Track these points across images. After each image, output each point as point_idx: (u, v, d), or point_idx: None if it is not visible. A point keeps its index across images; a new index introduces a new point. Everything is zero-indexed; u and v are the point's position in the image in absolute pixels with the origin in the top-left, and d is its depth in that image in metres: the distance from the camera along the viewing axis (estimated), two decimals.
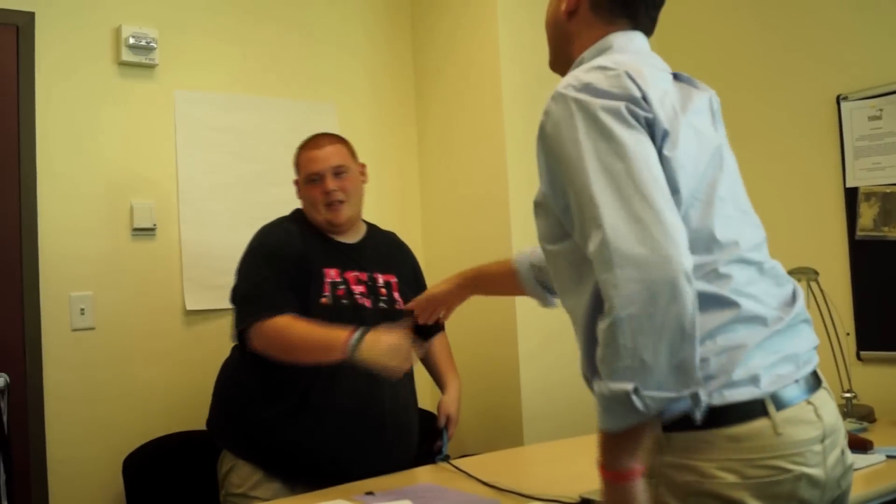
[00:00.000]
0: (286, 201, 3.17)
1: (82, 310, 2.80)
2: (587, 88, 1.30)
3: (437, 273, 3.39)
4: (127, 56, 2.92)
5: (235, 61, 3.18)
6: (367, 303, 2.38)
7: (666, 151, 1.29)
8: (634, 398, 1.14)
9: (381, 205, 3.44)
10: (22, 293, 2.71)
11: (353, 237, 2.53)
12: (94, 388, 2.80)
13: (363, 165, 2.59)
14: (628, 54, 1.43)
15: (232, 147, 3.12)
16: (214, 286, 3.03)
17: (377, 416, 2.32)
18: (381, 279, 2.46)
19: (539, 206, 1.43)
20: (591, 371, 1.31)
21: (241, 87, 3.17)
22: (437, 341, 2.60)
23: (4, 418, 2.40)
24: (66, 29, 2.87)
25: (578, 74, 1.35)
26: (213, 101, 3.10)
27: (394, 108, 3.53)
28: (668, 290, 1.13)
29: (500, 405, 3.12)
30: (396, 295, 2.46)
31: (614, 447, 1.22)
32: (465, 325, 3.25)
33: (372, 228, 2.62)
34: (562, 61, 1.58)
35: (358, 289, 2.39)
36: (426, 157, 3.52)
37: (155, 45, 2.96)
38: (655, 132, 1.29)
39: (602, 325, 1.18)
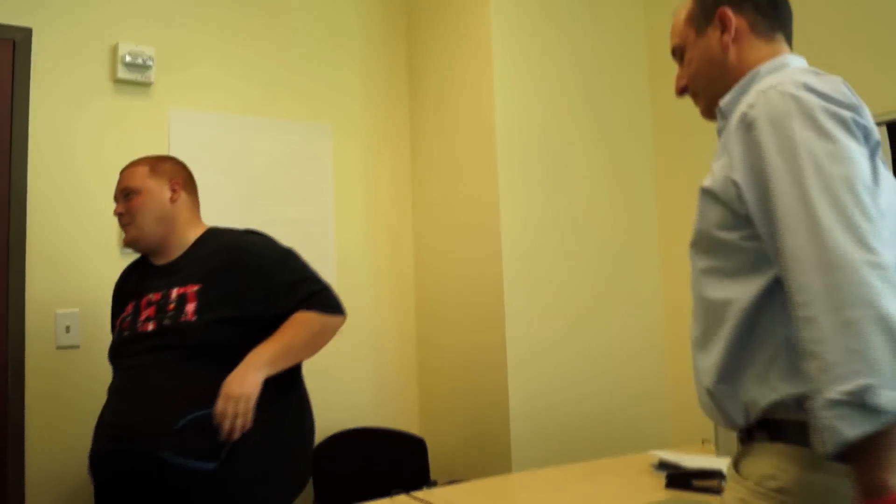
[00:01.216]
0: (279, 221, 3.19)
1: (68, 327, 2.78)
2: (806, 87, 1.28)
3: (429, 293, 3.41)
4: (123, 74, 2.93)
5: (231, 81, 3.18)
6: (151, 325, 2.21)
7: (876, 163, 1.28)
8: (873, 396, 1.08)
9: (373, 225, 3.44)
10: (7, 309, 2.70)
11: (168, 257, 2.35)
12: (78, 407, 2.76)
13: (174, 182, 2.37)
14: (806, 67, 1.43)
15: (226, 167, 3.12)
16: None
17: None
18: (174, 293, 2.23)
19: (708, 194, 1.39)
20: (728, 375, 1.35)
21: (235, 107, 3.18)
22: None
23: None
24: (63, 45, 2.88)
25: (791, 74, 1.34)
26: (207, 121, 3.11)
27: (388, 130, 3.54)
28: (889, 290, 1.12)
29: (487, 430, 3.09)
30: (189, 306, 2.19)
31: (871, 467, 1.11)
32: (454, 346, 3.25)
33: (203, 239, 2.38)
34: (720, 97, 1.51)
35: (146, 313, 2.24)
36: (420, 177, 3.52)
37: (151, 64, 2.96)
38: (870, 143, 1.28)
39: (813, 332, 1.15)
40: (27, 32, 2.82)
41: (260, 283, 2.22)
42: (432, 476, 3.26)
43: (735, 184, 1.32)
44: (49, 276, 2.77)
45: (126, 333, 2.26)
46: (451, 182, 3.31)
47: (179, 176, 2.39)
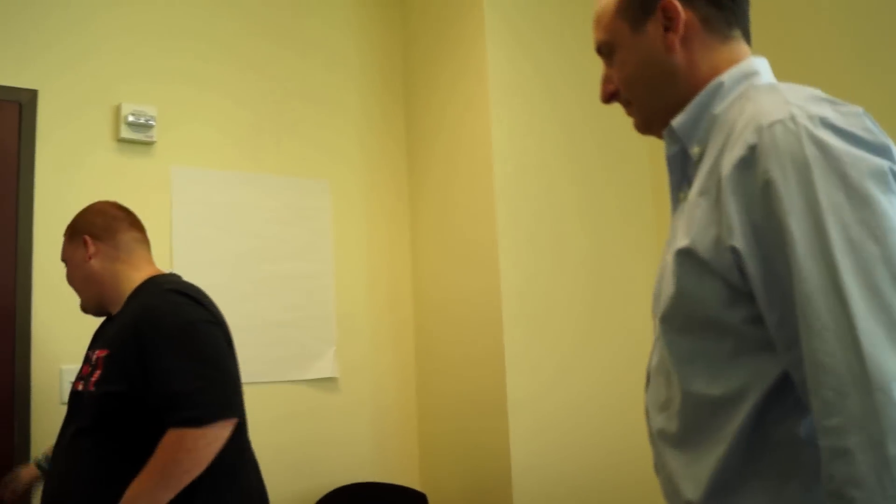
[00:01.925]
0: (280, 277, 3.22)
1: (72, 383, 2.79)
2: (825, 125, 1.01)
3: (428, 344, 3.41)
4: (126, 133, 2.98)
5: (231, 139, 3.23)
6: (79, 385, 2.06)
7: None
8: None
9: (373, 278, 3.47)
10: (14, 365, 2.71)
11: (115, 310, 2.16)
12: None
13: (85, 237, 2.16)
14: (793, 85, 1.14)
15: (227, 223, 3.16)
16: None
17: None
18: (94, 357, 2.06)
19: (690, 258, 1.10)
20: (726, 487, 1.07)
21: (236, 164, 3.23)
22: None
23: None
24: (67, 106, 2.94)
25: (794, 99, 1.06)
26: (208, 178, 3.15)
27: (386, 184, 3.58)
28: None
29: (489, 481, 3.07)
30: (97, 372, 1.98)
31: None
32: (454, 395, 3.25)
33: (135, 292, 2.12)
34: (665, 109, 1.24)
35: (83, 372, 2.08)
36: (418, 230, 3.56)
37: (153, 123, 3.01)
38: None
39: (845, 469, 0.92)
40: (33, 94, 2.88)
41: (144, 359, 1.90)
42: None
43: (734, 251, 1.04)
44: (54, 333, 2.79)
45: (70, 394, 2.11)
46: (450, 234, 3.34)
47: (92, 227, 2.17)
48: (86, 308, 2.24)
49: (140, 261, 2.18)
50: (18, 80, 2.87)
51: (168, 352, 1.88)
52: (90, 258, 2.14)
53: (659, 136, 1.28)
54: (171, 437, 1.82)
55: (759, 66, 1.21)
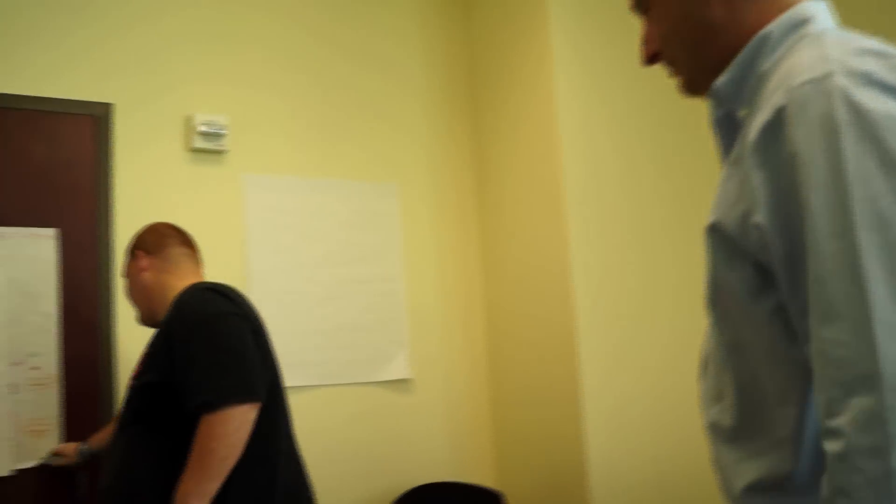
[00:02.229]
0: (352, 280, 3.26)
1: None
2: (867, 80, 0.87)
3: (501, 344, 3.42)
4: (198, 143, 3.03)
5: (301, 146, 3.28)
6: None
7: None
8: None
9: (443, 280, 3.48)
10: (98, 371, 2.80)
11: None
12: None
13: (138, 252, 2.33)
14: (847, 33, 0.99)
15: (299, 228, 3.20)
16: (287, 364, 3.06)
17: None
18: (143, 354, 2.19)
19: (718, 235, 1.01)
20: (767, 491, 0.99)
21: (306, 170, 3.27)
22: None
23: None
24: (141, 118, 3.00)
25: (835, 48, 0.93)
26: (279, 185, 3.20)
27: (453, 185, 3.59)
28: None
29: (565, 480, 3.07)
30: (140, 367, 2.11)
31: None
32: (528, 396, 3.25)
33: (173, 299, 2.17)
34: (708, 68, 1.10)
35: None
36: (488, 231, 3.56)
37: (225, 132, 3.07)
38: None
39: (843, 477, 0.82)
40: (107, 108, 2.95)
41: (170, 347, 2.00)
42: None
43: (759, 228, 0.93)
44: (134, 340, 2.85)
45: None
46: (520, 234, 3.33)
47: (143, 242, 2.34)
48: (141, 320, 2.37)
49: (187, 272, 2.29)
50: (94, 95, 2.95)
51: (189, 342, 1.96)
52: (143, 271, 2.29)
53: (703, 96, 1.16)
54: (200, 428, 1.87)
55: (813, 10, 1.04)
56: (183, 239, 2.37)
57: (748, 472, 1.01)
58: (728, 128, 1.11)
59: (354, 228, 3.31)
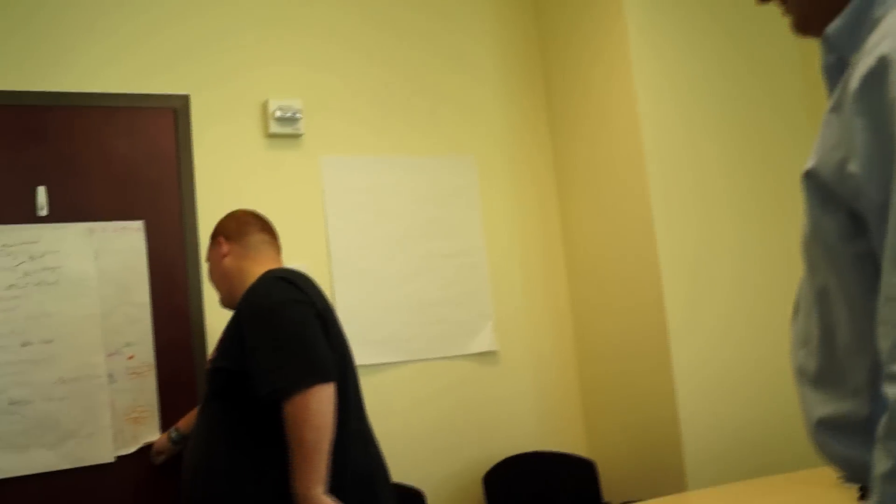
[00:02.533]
0: (434, 255, 3.27)
1: None
2: None
3: (586, 312, 3.39)
4: (274, 128, 3.07)
5: (375, 124, 3.28)
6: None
7: None
8: None
9: (523, 251, 3.46)
10: (192, 357, 2.87)
11: None
12: None
13: (220, 238, 2.39)
14: None
15: (378, 207, 3.22)
16: (369, 342, 3.12)
17: None
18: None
19: (814, 182, 1.01)
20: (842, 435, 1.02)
21: (382, 148, 3.27)
22: None
23: None
24: (217, 108, 3.05)
25: None
26: (356, 164, 3.22)
27: (531, 156, 3.55)
28: None
29: (658, 447, 3.04)
30: (216, 352, 2.18)
31: None
32: (616, 363, 3.22)
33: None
34: (822, 9, 1.06)
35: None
36: (567, 201, 3.52)
37: (300, 116, 3.09)
38: None
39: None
40: (185, 99, 3.00)
41: (239, 335, 2.05)
42: (605, 498, 3.23)
43: (854, 176, 0.91)
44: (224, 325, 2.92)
45: None
46: (601, 199, 3.29)
47: (225, 229, 2.40)
48: (223, 303, 2.43)
49: (265, 259, 2.33)
50: (170, 87, 3.00)
51: (256, 329, 2.01)
52: (223, 257, 2.35)
53: (817, 37, 1.10)
54: (286, 418, 1.91)
55: None
56: (263, 226, 2.41)
57: (826, 410, 1.03)
58: (838, 74, 1.06)
59: (434, 203, 3.31)
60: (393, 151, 3.29)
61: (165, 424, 2.79)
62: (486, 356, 3.33)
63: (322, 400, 1.90)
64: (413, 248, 3.24)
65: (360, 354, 3.07)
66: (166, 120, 2.97)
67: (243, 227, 2.37)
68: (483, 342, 3.31)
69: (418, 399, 3.20)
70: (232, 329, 2.09)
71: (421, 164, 3.32)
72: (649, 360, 3.05)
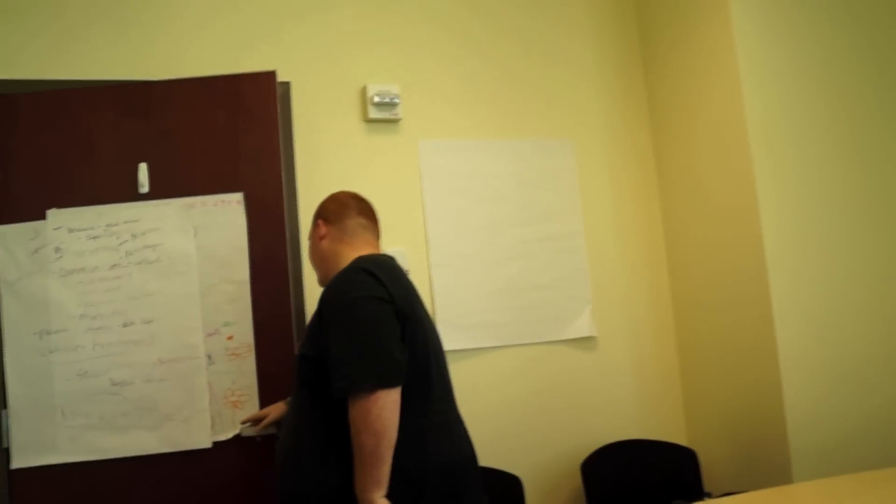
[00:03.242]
0: (532, 239, 3.25)
1: None
2: None
3: (686, 300, 3.31)
4: (373, 113, 3.10)
5: (472, 108, 3.28)
6: None
7: None
8: None
9: (622, 235, 3.42)
10: (293, 339, 2.82)
11: None
12: None
13: (319, 220, 2.39)
14: None
15: (475, 191, 3.22)
16: (466, 326, 3.12)
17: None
18: None
19: None
20: None
21: (479, 132, 3.27)
22: None
23: None
24: (317, 94, 3.10)
25: None
26: (454, 148, 3.22)
27: (629, 140, 3.50)
28: None
29: (763, 438, 2.95)
30: (303, 338, 2.19)
31: None
32: (717, 352, 3.14)
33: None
34: None
35: None
36: (667, 185, 3.45)
37: (398, 101, 3.12)
38: None
39: None
40: (286, 86, 3.05)
41: (320, 327, 2.07)
42: (706, 488, 3.17)
43: None
44: None
45: None
46: (701, 187, 3.21)
47: (325, 211, 2.40)
48: (320, 283, 2.42)
49: (361, 243, 2.32)
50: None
51: (331, 324, 2.01)
52: (322, 239, 2.35)
53: None
54: (350, 418, 1.92)
55: None
56: (362, 209, 2.40)
57: None
58: None
59: (531, 187, 3.29)
60: (491, 135, 3.29)
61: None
62: (584, 342, 3.29)
63: (383, 406, 1.91)
64: (510, 232, 3.23)
65: (457, 339, 3.10)
66: (267, 84, 2.84)
67: (342, 209, 2.37)
68: (581, 327, 3.28)
69: (515, 385, 3.19)
70: (316, 317, 2.11)
71: (518, 148, 3.30)
72: (753, 348, 2.97)
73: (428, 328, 2.14)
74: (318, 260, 2.38)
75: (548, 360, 3.23)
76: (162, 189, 2.75)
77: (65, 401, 2.63)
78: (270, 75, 2.89)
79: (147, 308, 2.70)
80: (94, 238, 2.72)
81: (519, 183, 3.27)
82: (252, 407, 2.69)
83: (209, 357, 2.70)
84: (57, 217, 2.71)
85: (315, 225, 2.40)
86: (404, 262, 3.06)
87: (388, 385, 1.92)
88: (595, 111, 3.47)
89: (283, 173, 2.82)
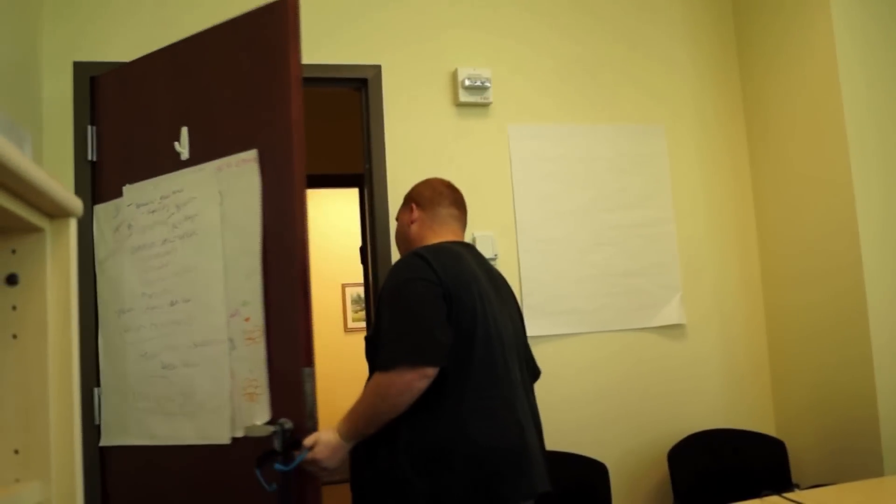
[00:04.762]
0: (621, 225, 3.23)
1: None
2: None
3: (778, 289, 3.25)
4: (464, 97, 3.10)
5: (562, 93, 3.26)
6: None
7: None
8: None
9: (715, 223, 3.38)
10: (310, 331, 2.28)
11: None
12: None
13: (411, 204, 2.40)
14: None
15: (564, 176, 3.20)
16: (553, 312, 3.12)
17: None
18: None
19: None
20: None
21: (569, 117, 3.25)
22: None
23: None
24: (408, 77, 3.11)
25: None
26: (544, 133, 3.21)
27: (721, 127, 3.44)
28: None
29: (853, 431, 2.90)
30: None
31: None
32: (808, 342, 3.09)
33: None
34: None
35: None
36: (759, 172, 3.39)
37: (489, 85, 3.11)
38: None
39: None
40: (377, 69, 3.08)
41: (377, 311, 2.13)
42: (793, 479, 3.12)
43: None
44: None
45: None
46: (796, 172, 3.15)
47: (418, 196, 2.41)
48: None
49: (446, 231, 2.35)
50: (363, 58, 3.08)
51: (385, 305, 2.07)
52: (412, 223, 2.38)
53: None
54: (373, 379, 2.00)
55: None
56: (454, 199, 2.43)
57: None
58: None
59: (621, 172, 3.26)
60: (581, 120, 3.26)
61: (275, 405, 2.22)
62: (672, 329, 3.27)
63: (409, 387, 1.96)
64: (600, 218, 3.21)
65: (544, 324, 3.10)
66: (282, 12, 2.29)
67: (436, 197, 2.40)
68: (670, 315, 3.25)
69: (603, 372, 3.18)
70: (378, 301, 2.15)
71: (609, 133, 3.27)
72: (845, 338, 2.91)
73: (490, 314, 2.12)
74: (403, 241, 2.41)
75: (636, 348, 3.22)
76: (200, 153, 2.45)
77: (134, 382, 2.52)
78: (361, 82, 2.86)
79: (187, 285, 2.41)
80: (152, 212, 2.54)
81: (609, 168, 3.25)
82: (263, 401, 2.24)
83: (231, 341, 2.32)
84: (129, 193, 2.61)
85: (407, 208, 2.42)
86: (493, 246, 3.07)
87: (422, 365, 1.96)
88: (687, 99, 3.41)
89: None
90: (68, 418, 1.11)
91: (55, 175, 2.75)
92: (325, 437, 2.03)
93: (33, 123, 2.68)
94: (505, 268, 3.09)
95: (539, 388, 3.08)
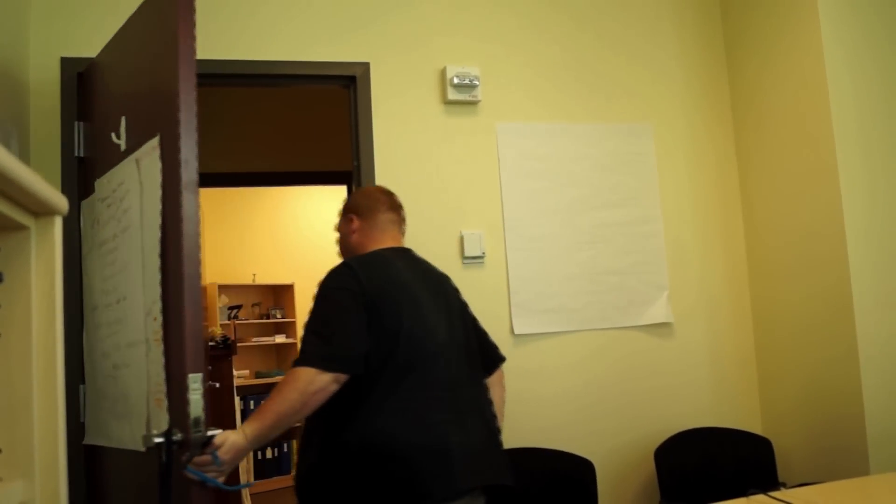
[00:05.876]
0: (609, 224, 3.23)
1: None
2: None
3: (765, 289, 3.27)
4: (452, 95, 3.10)
5: (551, 92, 3.26)
6: None
7: None
8: None
9: (700, 222, 3.38)
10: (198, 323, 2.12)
11: None
12: None
13: (349, 214, 2.41)
14: None
15: (553, 174, 3.20)
16: (540, 310, 3.12)
17: None
18: None
19: None
20: None
21: (557, 115, 3.25)
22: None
23: None
24: (396, 75, 3.10)
25: None
26: (532, 132, 3.21)
27: (710, 126, 3.45)
28: None
29: (840, 431, 2.92)
30: None
31: None
32: (795, 342, 3.10)
33: None
34: None
35: None
36: (746, 172, 3.40)
37: (477, 83, 3.11)
38: None
39: None
40: (365, 67, 3.07)
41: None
42: (780, 478, 3.14)
43: None
44: None
45: None
46: (783, 170, 3.16)
47: (356, 206, 2.43)
48: None
49: (385, 238, 2.39)
50: (351, 56, 3.07)
51: (311, 310, 2.13)
52: (353, 233, 2.41)
53: None
54: (282, 379, 2.04)
55: None
56: (391, 204, 2.46)
57: None
58: None
59: (610, 171, 3.27)
60: (569, 118, 3.27)
61: (171, 412, 2.00)
62: (660, 327, 3.27)
63: (319, 387, 2.00)
64: (587, 216, 3.22)
65: (532, 322, 3.11)
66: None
67: (374, 204, 2.43)
68: (658, 313, 3.26)
69: (590, 369, 3.18)
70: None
71: (597, 132, 3.28)
72: (832, 337, 2.93)
73: (419, 317, 2.14)
74: (346, 251, 2.44)
75: (623, 346, 3.22)
76: (133, 143, 2.31)
77: (100, 381, 2.48)
78: (349, 79, 2.83)
79: (124, 283, 2.29)
80: (108, 207, 2.46)
81: (597, 166, 3.25)
82: (166, 407, 2.02)
83: (147, 342, 2.15)
84: (98, 187, 2.57)
85: (347, 219, 2.44)
86: (480, 244, 3.07)
87: (332, 370, 2.01)
88: (675, 97, 3.42)
89: (361, 159, 2.66)
90: (52, 416, 1.11)
91: (42, 171, 2.74)
92: (233, 439, 1.99)
93: (20, 120, 2.67)
94: (493, 266, 3.09)
95: (526, 385, 3.10)
